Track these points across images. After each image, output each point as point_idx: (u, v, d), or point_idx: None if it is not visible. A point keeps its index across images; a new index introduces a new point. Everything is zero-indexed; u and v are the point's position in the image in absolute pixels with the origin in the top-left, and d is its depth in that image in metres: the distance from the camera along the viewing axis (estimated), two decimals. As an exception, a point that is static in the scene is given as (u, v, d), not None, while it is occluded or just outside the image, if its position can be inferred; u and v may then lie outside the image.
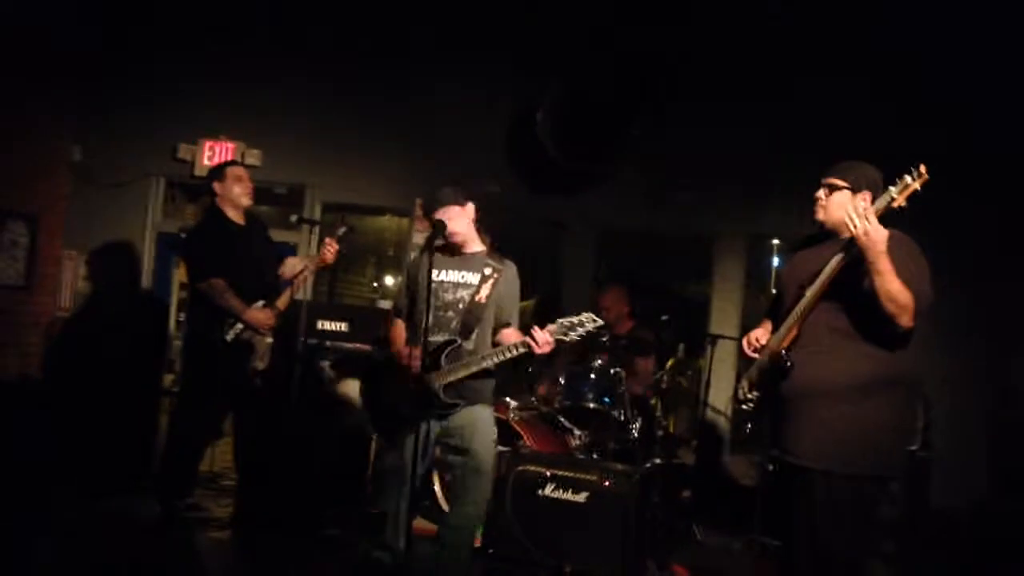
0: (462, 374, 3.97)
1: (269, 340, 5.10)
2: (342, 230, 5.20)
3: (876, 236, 3.09)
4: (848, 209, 3.19)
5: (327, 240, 5.15)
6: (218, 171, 5.25)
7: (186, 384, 5.22)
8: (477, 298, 4.07)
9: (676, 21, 6.47)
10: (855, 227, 3.11)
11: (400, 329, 4.26)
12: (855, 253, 3.20)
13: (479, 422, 4.04)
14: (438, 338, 4.04)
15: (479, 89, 6.82)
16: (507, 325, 4.17)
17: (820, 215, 3.43)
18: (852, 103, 6.13)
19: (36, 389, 6.14)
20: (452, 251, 4.18)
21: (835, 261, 3.27)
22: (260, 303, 5.03)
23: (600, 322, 3.86)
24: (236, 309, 4.95)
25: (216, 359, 4.97)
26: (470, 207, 4.17)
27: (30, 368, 6.62)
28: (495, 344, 4.10)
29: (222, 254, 4.99)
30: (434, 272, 4.08)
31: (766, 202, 6.41)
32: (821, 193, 3.41)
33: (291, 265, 5.35)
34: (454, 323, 4.05)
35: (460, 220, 4.13)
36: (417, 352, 3.96)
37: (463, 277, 4.13)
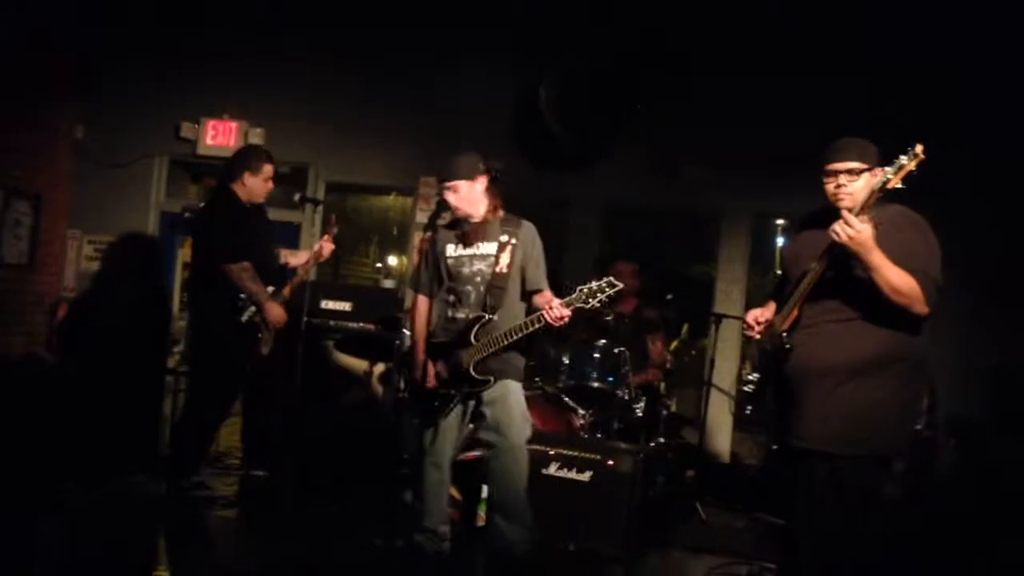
0: (491, 350, 3.94)
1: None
2: (334, 230, 5.28)
3: (861, 238, 3.07)
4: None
5: (324, 237, 5.17)
6: (255, 162, 5.08)
7: (201, 365, 5.18)
8: (498, 269, 4.01)
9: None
10: (838, 237, 3.09)
11: (423, 307, 4.19)
12: (838, 251, 3.19)
13: (510, 396, 4.01)
14: (460, 314, 4.02)
15: (481, 66, 6.79)
16: (538, 291, 4.08)
17: (847, 202, 3.26)
18: (858, 82, 6.11)
19: (42, 368, 6.15)
20: (463, 224, 4.11)
21: (819, 265, 3.27)
22: (270, 289, 5.02)
23: (620, 285, 3.78)
24: (260, 295, 4.92)
25: (231, 340, 4.96)
26: (480, 180, 4.08)
27: (35, 347, 6.64)
28: (531, 311, 4.04)
29: (246, 236, 4.95)
30: (449, 248, 4.08)
31: (771, 181, 6.38)
32: (844, 180, 3.29)
33: (283, 256, 5.32)
34: (473, 297, 4.01)
35: (468, 194, 4.05)
36: (432, 369, 3.99)
37: (479, 248, 4.07)
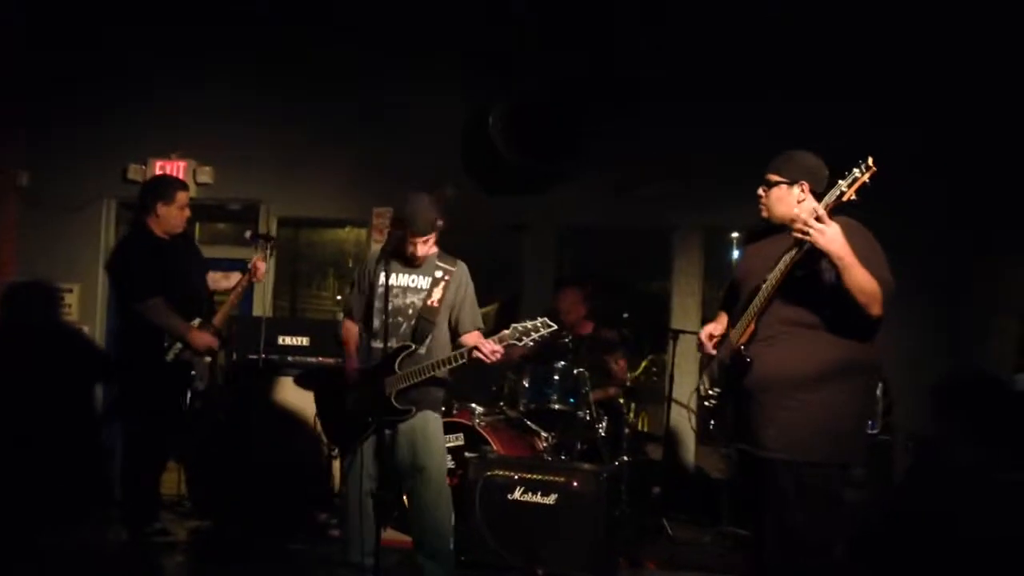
0: (414, 380, 3.96)
1: (208, 359, 5.02)
2: (266, 251, 5.25)
3: (833, 234, 3.12)
4: (795, 212, 3.26)
5: (255, 259, 5.10)
6: (167, 192, 4.95)
7: (129, 408, 5.04)
8: (429, 302, 4.06)
9: (631, 19, 6.51)
10: (810, 236, 3.14)
11: (352, 332, 4.22)
12: (806, 249, 3.23)
13: (428, 427, 4.03)
14: (386, 343, 3.97)
15: (430, 95, 6.80)
16: (471, 330, 4.14)
17: (764, 212, 3.47)
18: (807, 95, 6.24)
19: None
20: (405, 256, 4.12)
21: (787, 259, 3.30)
22: (196, 321, 4.90)
23: (554, 326, 3.88)
24: (179, 330, 4.80)
25: (157, 381, 4.84)
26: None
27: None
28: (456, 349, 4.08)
29: (156, 272, 4.81)
30: (382, 277, 4.03)
31: (721, 195, 6.44)
32: (761, 191, 3.45)
33: (214, 280, 5.22)
34: (403, 328, 4.03)
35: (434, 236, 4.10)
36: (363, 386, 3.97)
37: (413, 281, 4.10)
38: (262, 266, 5.10)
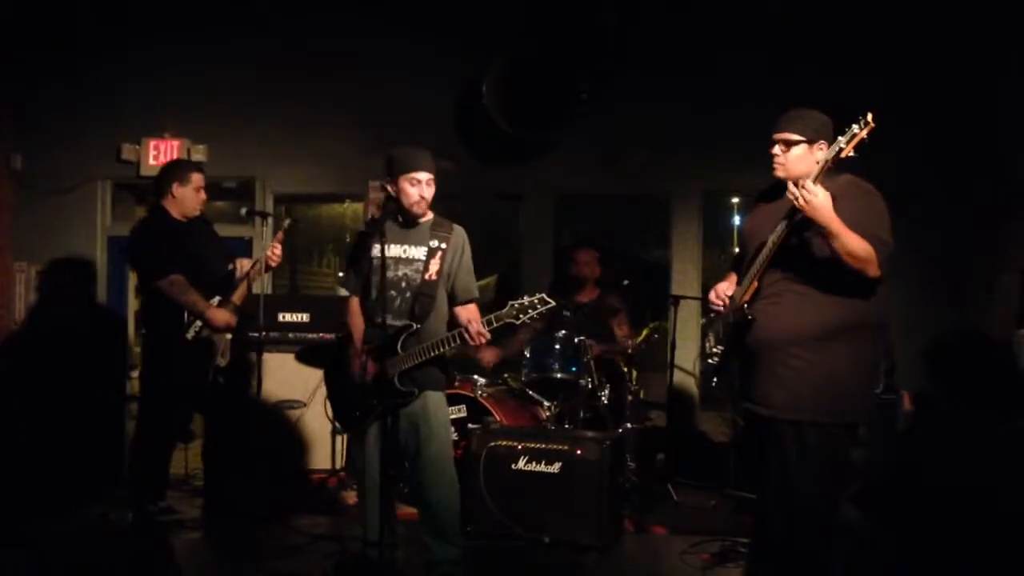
0: (417, 361, 3.85)
1: (228, 336, 5.05)
2: (287, 222, 5.17)
3: (820, 204, 3.11)
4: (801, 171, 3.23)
5: (272, 244, 5.04)
6: (181, 172, 5.01)
7: (149, 387, 5.07)
8: (427, 276, 3.90)
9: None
10: (797, 202, 3.14)
11: (357, 309, 4.06)
12: (799, 218, 3.22)
13: (430, 407, 3.92)
14: (384, 320, 3.85)
15: (426, 67, 6.75)
16: (468, 302, 4.01)
17: (780, 172, 3.38)
18: (800, 55, 6.19)
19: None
20: (401, 222, 3.97)
21: (781, 227, 3.31)
22: (216, 299, 4.94)
23: (552, 303, 3.72)
24: (199, 306, 4.84)
25: (177, 359, 4.88)
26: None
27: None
28: (453, 322, 3.99)
29: (175, 251, 4.86)
30: (375, 248, 3.91)
31: (719, 159, 6.42)
32: (778, 150, 3.39)
33: (243, 266, 5.20)
34: (398, 303, 3.90)
35: (433, 189, 3.95)
36: (370, 362, 3.89)
37: (406, 252, 3.94)
38: (278, 248, 5.09)
